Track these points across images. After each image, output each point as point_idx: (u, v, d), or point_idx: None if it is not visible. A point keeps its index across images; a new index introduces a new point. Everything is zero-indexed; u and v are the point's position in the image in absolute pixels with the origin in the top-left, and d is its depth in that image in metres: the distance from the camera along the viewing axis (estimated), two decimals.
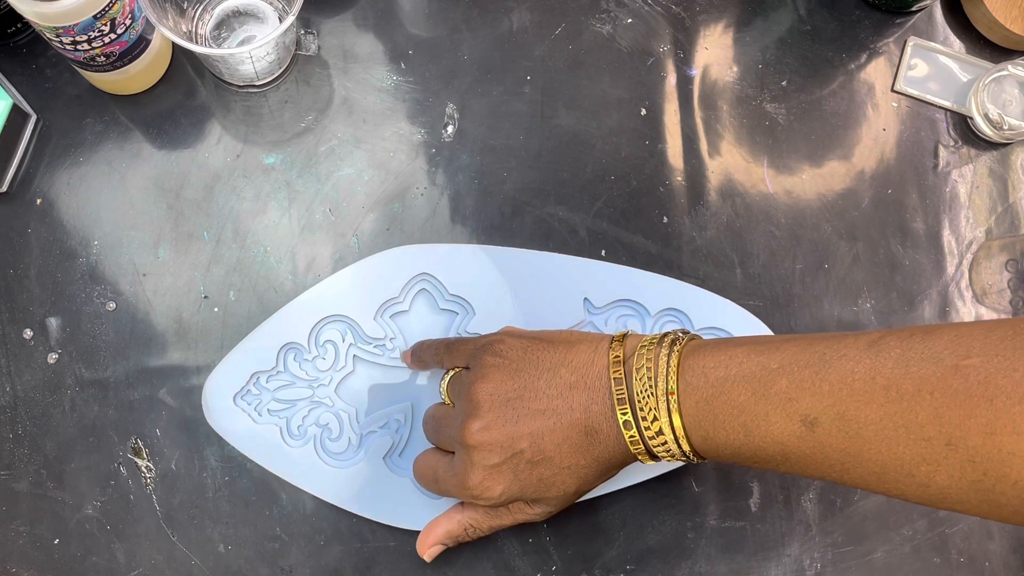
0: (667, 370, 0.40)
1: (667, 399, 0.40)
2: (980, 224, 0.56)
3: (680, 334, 0.42)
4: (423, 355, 0.49)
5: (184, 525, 0.50)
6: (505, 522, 0.45)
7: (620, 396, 0.41)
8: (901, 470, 0.35)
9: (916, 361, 0.35)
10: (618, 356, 0.42)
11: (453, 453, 0.44)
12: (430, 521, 0.47)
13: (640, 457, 0.42)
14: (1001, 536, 0.53)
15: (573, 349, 0.43)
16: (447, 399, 0.47)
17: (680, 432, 0.40)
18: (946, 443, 0.34)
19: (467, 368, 0.45)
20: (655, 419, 0.40)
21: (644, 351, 0.41)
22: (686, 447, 0.40)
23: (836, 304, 0.54)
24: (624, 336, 0.43)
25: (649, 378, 0.40)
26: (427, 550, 0.47)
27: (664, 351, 0.40)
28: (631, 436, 0.41)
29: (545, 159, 0.55)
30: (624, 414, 0.40)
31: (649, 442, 0.41)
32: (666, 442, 0.40)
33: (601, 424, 0.41)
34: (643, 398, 0.40)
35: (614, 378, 0.41)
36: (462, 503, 0.46)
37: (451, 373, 0.47)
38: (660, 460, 0.42)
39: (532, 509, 0.44)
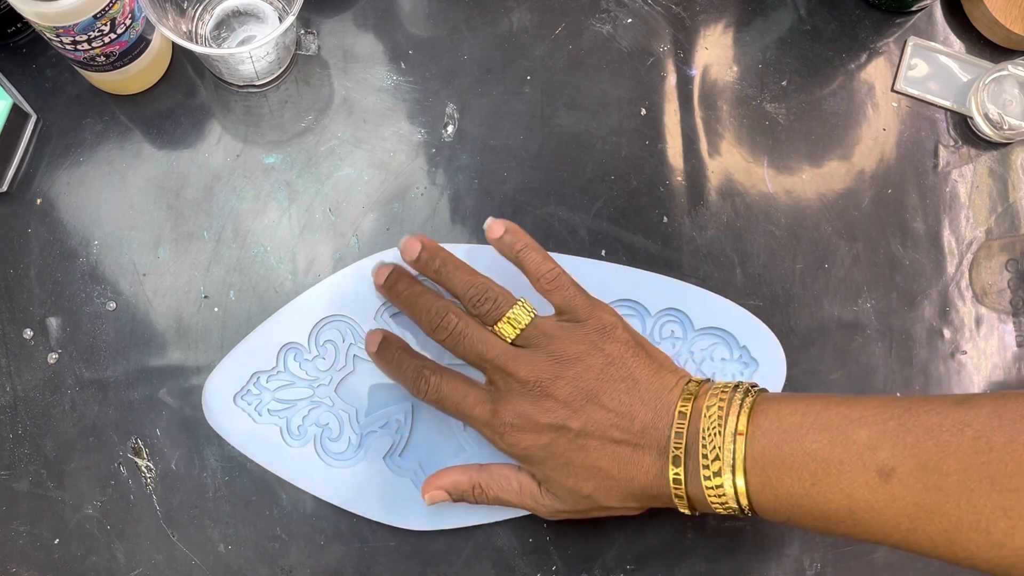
0: (739, 411, 0.39)
1: (734, 439, 0.39)
2: (980, 224, 0.56)
3: (751, 385, 0.42)
4: (532, 252, 0.46)
5: (184, 525, 0.50)
6: (512, 500, 0.45)
7: (679, 430, 0.40)
8: (977, 526, 0.34)
9: (1010, 417, 0.34)
10: (691, 394, 0.41)
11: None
12: (443, 468, 0.47)
13: (676, 501, 0.41)
14: None
15: (659, 371, 0.43)
16: (507, 326, 0.44)
17: (740, 474, 0.39)
18: None
19: (568, 321, 0.44)
20: (716, 459, 0.39)
21: (717, 391, 0.41)
22: (742, 491, 0.39)
23: (836, 304, 0.54)
24: (701, 381, 0.43)
25: (719, 417, 0.39)
26: (429, 492, 0.46)
27: (738, 395, 0.40)
28: (675, 475, 0.40)
29: (545, 159, 0.55)
30: (677, 449, 0.40)
31: (704, 483, 0.40)
32: (721, 484, 0.39)
33: (651, 451, 0.41)
34: (709, 436, 0.39)
35: (679, 411, 0.41)
36: (479, 466, 0.46)
37: (533, 313, 0.45)
38: (697, 510, 0.41)
39: (541, 498, 0.44)
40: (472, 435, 0.50)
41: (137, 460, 0.50)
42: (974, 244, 0.56)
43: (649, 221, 0.54)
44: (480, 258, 0.51)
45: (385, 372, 0.48)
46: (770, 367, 0.51)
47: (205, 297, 0.52)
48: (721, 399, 0.40)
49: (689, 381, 0.43)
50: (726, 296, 0.52)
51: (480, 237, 0.53)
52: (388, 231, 0.53)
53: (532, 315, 0.45)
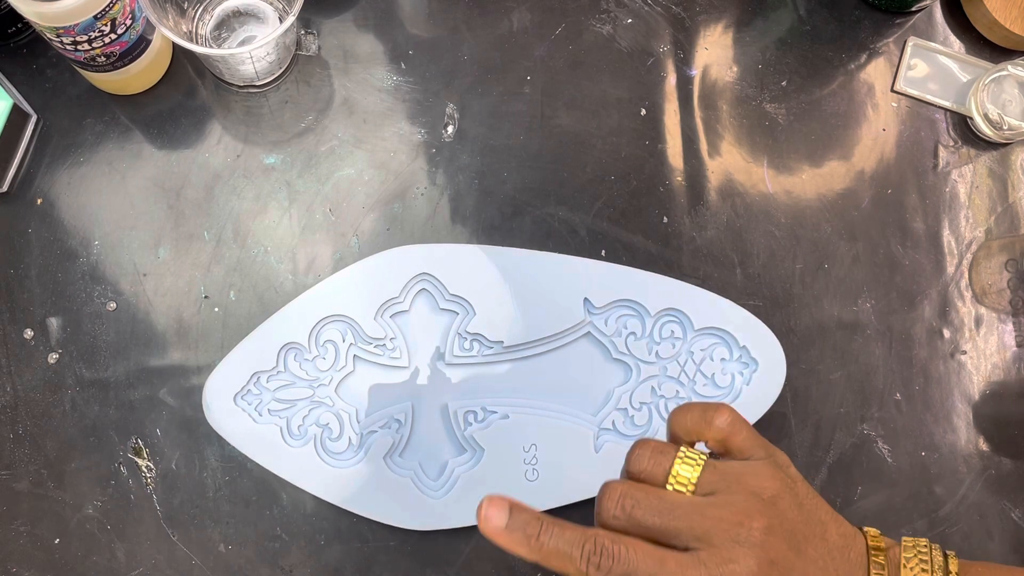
0: (945, 561, 0.38)
1: None
2: (980, 224, 0.56)
3: (936, 545, 0.40)
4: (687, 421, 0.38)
5: (184, 525, 0.50)
6: None
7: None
8: None
9: None
10: (879, 546, 0.39)
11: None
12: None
13: None
14: (1001, 536, 0.53)
15: (836, 514, 0.39)
16: (685, 481, 0.36)
17: None
18: None
19: (745, 459, 0.38)
20: None
21: (909, 543, 0.39)
22: None
23: (836, 304, 0.54)
24: (873, 532, 0.40)
25: (924, 560, 0.38)
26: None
27: (937, 552, 0.39)
28: None
29: (545, 159, 0.55)
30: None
31: None
32: None
33: None
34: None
35: (874, 562, 0.38)
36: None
37: (701, 460, 0.37)
38: None
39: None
40: (473, 436, 0.50)
41: (137, 460, 0.50)
42: (974, 244, 0.56)
43: (649, 221, 0.54)
44: (483, 260, 0.51)
45: (524, 554, 0.34)
46: (770, 367, 0.51)
47: (205, 297, 0.52)
48: (921, 554, 0.39)
49: (861, 528, 0.40)
50: (726, 296, 0.52)
51: (479, 237, 0.53)
52: (388, 231, 0.53)
53: (701, 464, 0.37)
